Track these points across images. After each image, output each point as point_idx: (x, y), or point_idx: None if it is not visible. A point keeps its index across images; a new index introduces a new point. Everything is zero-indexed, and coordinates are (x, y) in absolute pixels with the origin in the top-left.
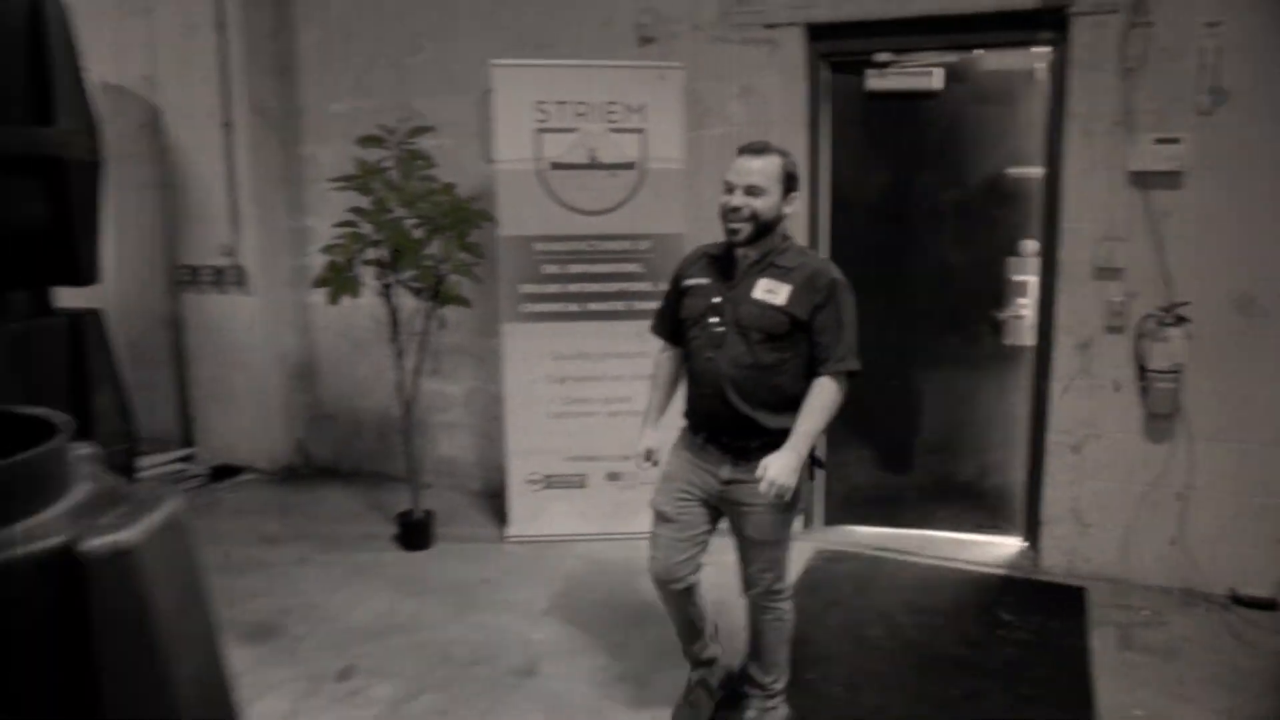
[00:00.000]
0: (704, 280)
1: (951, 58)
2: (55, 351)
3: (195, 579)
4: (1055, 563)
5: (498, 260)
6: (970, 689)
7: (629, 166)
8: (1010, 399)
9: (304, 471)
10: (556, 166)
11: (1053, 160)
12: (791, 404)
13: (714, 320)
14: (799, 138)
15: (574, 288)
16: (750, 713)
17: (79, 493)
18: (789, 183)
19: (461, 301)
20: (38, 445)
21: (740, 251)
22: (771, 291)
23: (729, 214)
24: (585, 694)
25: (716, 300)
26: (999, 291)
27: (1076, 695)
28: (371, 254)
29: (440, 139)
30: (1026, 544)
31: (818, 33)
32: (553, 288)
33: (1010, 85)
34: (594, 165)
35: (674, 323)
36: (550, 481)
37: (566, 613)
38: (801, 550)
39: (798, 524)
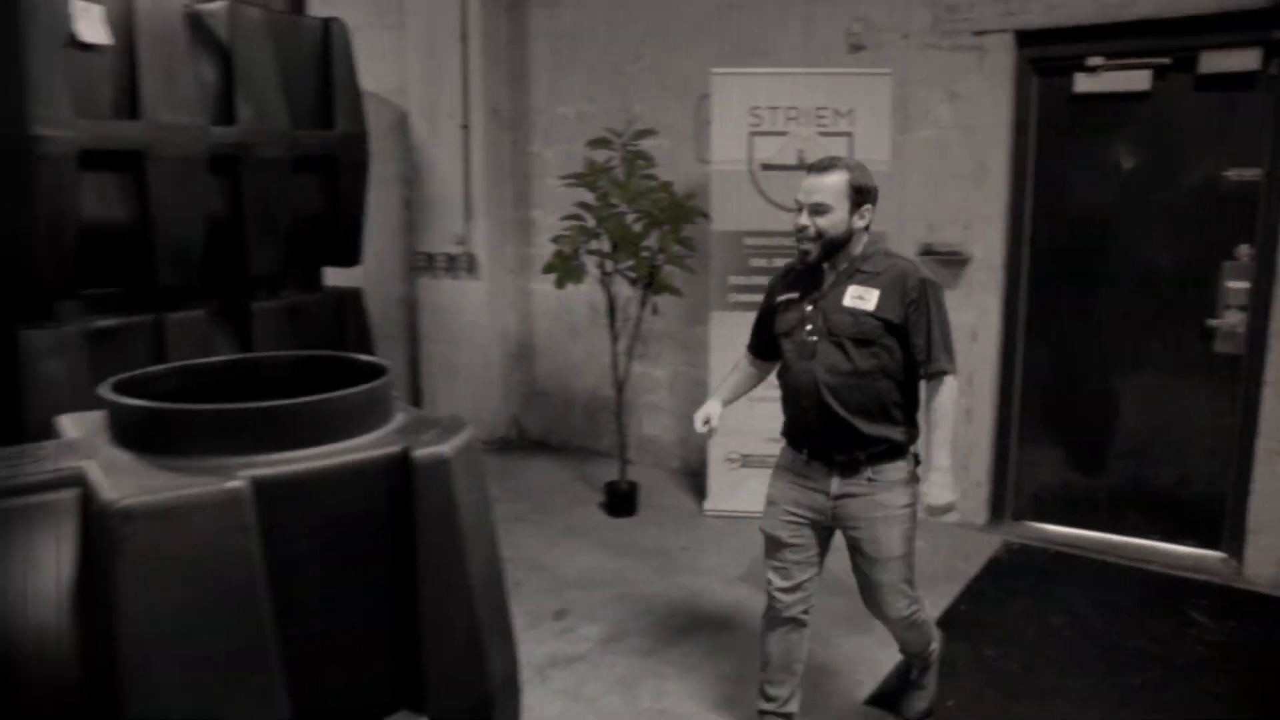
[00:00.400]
0: (794, 294)
1: (1164, 58)
2: (323, 322)
3: (484, 487)
4: (1260, 573)
5: (709, 253)
6: (1152, 680)
7: None
8: (1215, 406)
9: (518, 444)
10: (766, 167)
11: (1277, 162)
12: (888, 411)
13: (807, 330)
14: (1004, 140)
15: None
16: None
17: (402, 418)
18: (858, 196)
19: (674, 290)
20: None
21: (825, 262)
22: (861, 298)
23: (797, 234)
24: None
25: (809, 310)
26: (1209, 297)
27: (1270, 700)
28: (594, 245)
29: (658, 140)
30: (1227, 555)
31: (1027, 39)
32: (760, 279)
33: (1228, 85)
34: (802, 166)
35: (767, 339)
36: (747, 461)
37: (759, 580)
38: (987, 542)
39: (981, 515)
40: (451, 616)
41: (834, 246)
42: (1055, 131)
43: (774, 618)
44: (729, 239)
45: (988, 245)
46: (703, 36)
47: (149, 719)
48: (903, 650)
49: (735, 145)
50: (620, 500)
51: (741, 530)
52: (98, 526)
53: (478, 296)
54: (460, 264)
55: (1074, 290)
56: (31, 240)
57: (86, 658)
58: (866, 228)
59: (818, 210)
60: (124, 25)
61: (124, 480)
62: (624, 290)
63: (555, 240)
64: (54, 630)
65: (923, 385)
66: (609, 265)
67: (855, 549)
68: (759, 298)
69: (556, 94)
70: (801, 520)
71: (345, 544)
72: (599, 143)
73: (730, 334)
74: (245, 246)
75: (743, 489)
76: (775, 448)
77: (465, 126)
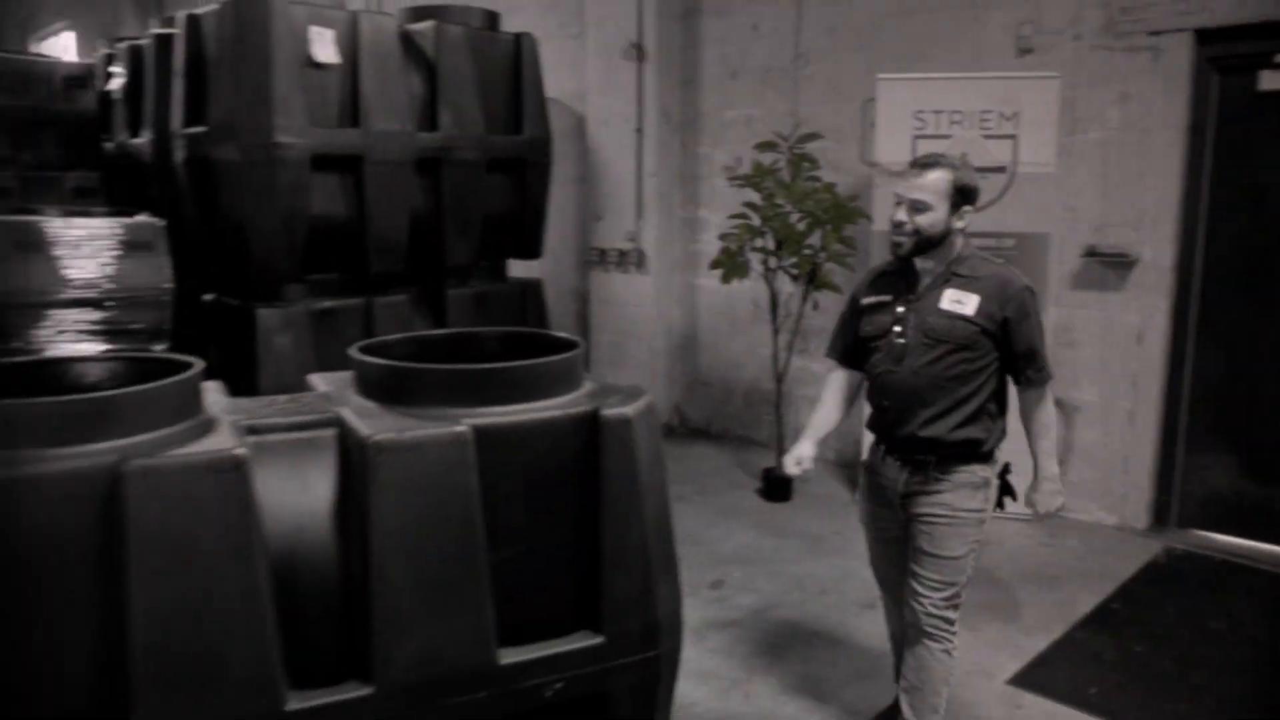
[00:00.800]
0: (884, 297)
1: None
2: (507, 310)
3: (658, 445)
4: None
5: (870, 252)
6: None
7: (999, 170)
8: None
9: (680, 431)
10: None
11: None
12: (973, 415)
13: (898, 332)
14: (1178, 141)
15: None
16: None
17: (590, 385)
18: (960, 196)
19: (834, 288)
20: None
21: (920, 264)
22: (959, 302)
23: (894, 229)
24: None
25: (900, 312)
26: None
27: None
28: (759, 243)
29: (823, 143)
30: None
31: (1207, 37)
32: None
33: None
34: None
35: (851, 344)
36: None
37: None
38: (1146, 546)
39: (1142, 519)
40: (627, 552)
41: (928, 245)
42: (1236, 131)
43: (885, 598)
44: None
45: (1157, 247)
46: (869, 43)
47: (389, 610)
48: (906, 682)
49: (899, 148)
50: (776, 486)
51: None
52: (355, 457)
53: (646, 290)
54: (630, 259)
55: (1253, 293)
56: (271, 232)
57: (343, 558)
58: (964, 229)
59: (917, 207)
60: (349, 45)
61: (373, 422)
62: (786, 286)
63: (722, 238)
64: (320, 535)
65: (1018, 393)
66: (772, 262)
67: (914, 542)
68: None
69: (725, 99)
70: (880, 514)
71: (542, 485)
72: (766, 146)
73: None
74: (443, 240)
75: None
76: None
77: (639, 130)
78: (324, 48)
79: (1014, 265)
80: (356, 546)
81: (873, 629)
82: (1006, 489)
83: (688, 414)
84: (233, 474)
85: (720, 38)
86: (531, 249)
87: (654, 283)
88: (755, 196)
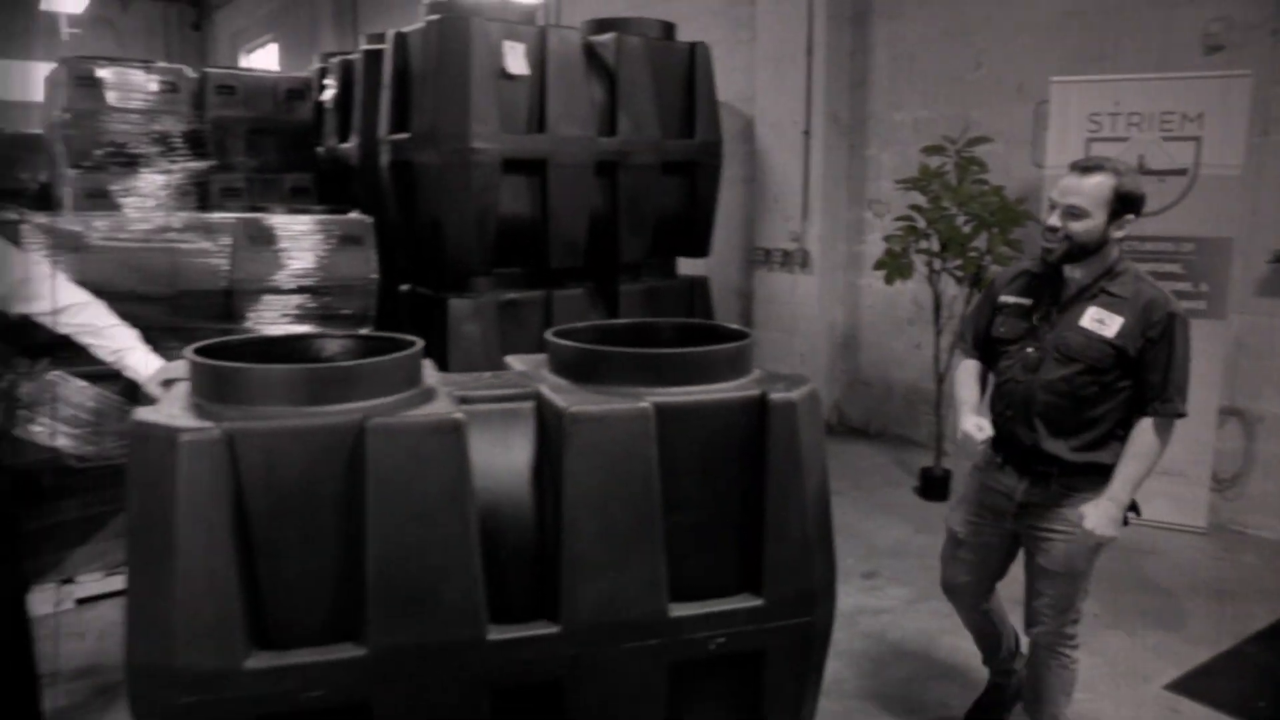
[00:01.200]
0: (1024, 300)
1: None
2: (676, 305)
3: (820, 428)
4: None
5: (1037, 255)
6: None
7: (1180, 173)
8: None
9: (838, 429)
10: None
11: None
12: (1100, 440)
13: (1031, 342)
14: None
15: None
16: None
17: (759, 373)
18: (1120, 205)
19: None
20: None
21: (1069, 272)
22: (1101, 322)
23: (1045, 233)
24: None
25: (1038, 321)
26: None
27: None
28: (923, 244)
29: (992, 145)
30: None
31: None
32: None
33: None
34: (1142, 172)
35: (984, 338)
36: None
37: None
38: None
39: None
40: (788, 525)
41: (1080, 253)
42: None
43: (948, 596)
44: None
45: None
46: (1043, 44)
47: (576, 560)
48: (1030, 696)
49: (1072, 151)
50: (933, 484)
51: None
52: (552, 426)
53: (809, 290)
54: (794, 259)
55: None
56: (463, 229)
57: (539, 513)
58: (1122, 240)
59: (1072, 213)
60: (537, 57)
61: (568, 396)
62: (949, 288)
63: (886, 239)
64: (520, 491)
65: (1140, 419)
66: (937, 264)
67: (1029, 555)
68: None
69: (894, 101)
70: (983, 521)
71: (713, 459)
72: (933, 149)
73: None
74: (618, 237)
75: None
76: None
77: (806, 132)
78: (516, 61)
79: (1195, 271)
80: (550, 503)
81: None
82: (1131, 507)
83: (847, 412)
84: (452, 435)
85: (891, 40)
86: (700, 247)
87: (817, 282)
88: (921, 199)
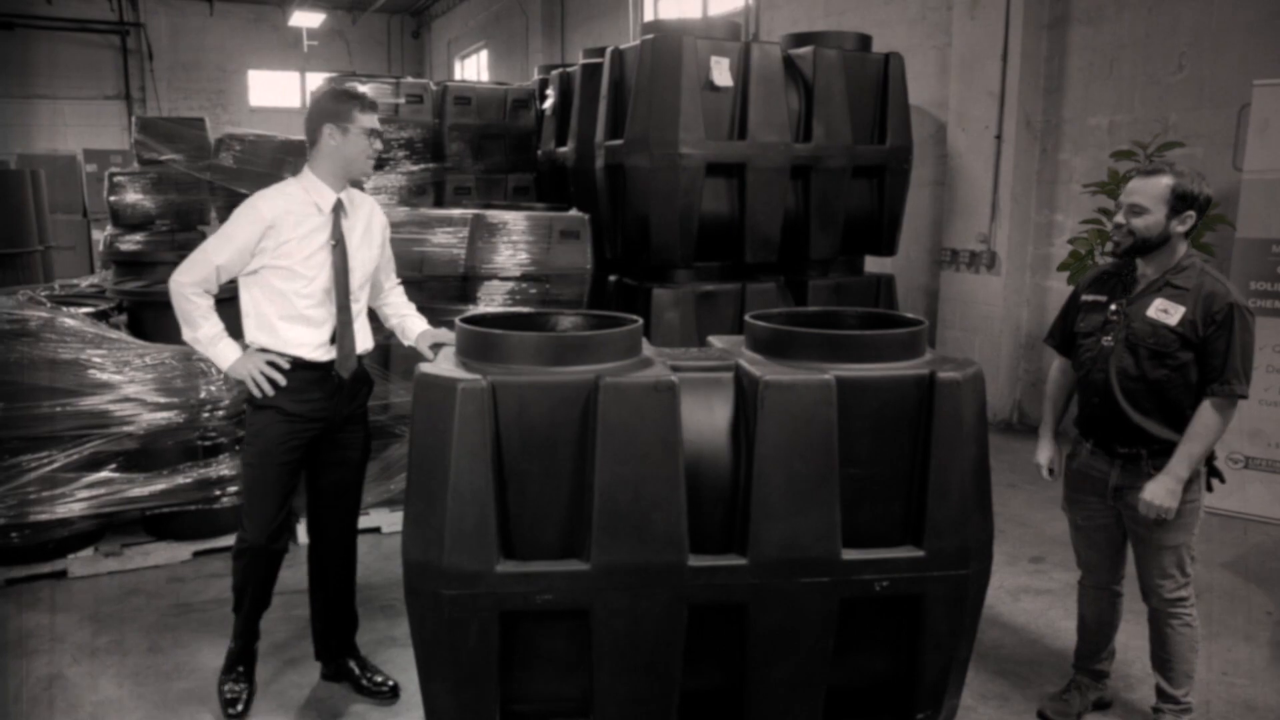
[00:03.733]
0: (1100, 297)
1: None
2: (861, 301)
3: (982, 406)
4: None
5: (1230, 258)
6: None
7: None
8: None
9: (1018, 427)
10: None
11: None
12: (1181, 415)
13: (1106, 333)
14: None
15: None
16: None
17: (930, 355)
18: (1179, 202)
19: None
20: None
21: (1140, 267)
22: (1166, 311)
23: (1113, 230)
24: None
25: (1112, 313)
26: None
27: None
28: (1109, 247)
29: (1190, 149)
30: None
31: None
32: None
33: None
34: None
35: (1068, 334)
36: (1251, 463)
37: (1242, 568)
38: None
39: None
40: (949, 487)
41: (1144, 247)
42: None
43: (1085, 580)
44: (1255, 246)
45: None
46: (1249, 46)
47: (764, 504)
48: (1159, 660)
49: (1273, 154)
50: None
51: (1240, 528)
52: (748, 392)
53: (995, 290)
54: (981, 260)
55: None
56: (668, 226)
57: (734, 463)
58: (1186, 234)
59: (1134, 210)
60: (740, 70)
61: (763, 368)
62: None
63: (1071, 241)
64: (719, 445)
65: (1202, 403)
66: None
67: (1132, 535)
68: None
69: (1089, 105)
70: (1089, 507)
71: (885, 426)
72: (1123, 154)
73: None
74: (808, 236)
75: (1245, 490)
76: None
77: (998, 136)
78: (721, 74)
79: None
80: (744, 456)
81: None
82: (1214, 472)
83: (1028, 412)
84: (667, 394)
85: (1087, 45)
86: (887, 247)
87: (1004, 283)
88: (1110, 203)
